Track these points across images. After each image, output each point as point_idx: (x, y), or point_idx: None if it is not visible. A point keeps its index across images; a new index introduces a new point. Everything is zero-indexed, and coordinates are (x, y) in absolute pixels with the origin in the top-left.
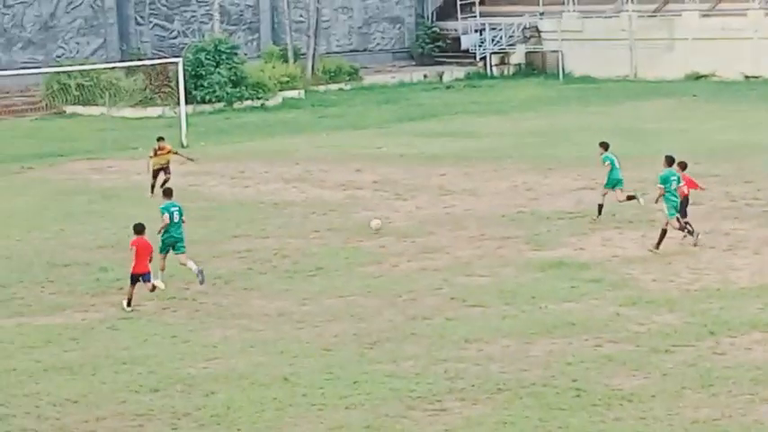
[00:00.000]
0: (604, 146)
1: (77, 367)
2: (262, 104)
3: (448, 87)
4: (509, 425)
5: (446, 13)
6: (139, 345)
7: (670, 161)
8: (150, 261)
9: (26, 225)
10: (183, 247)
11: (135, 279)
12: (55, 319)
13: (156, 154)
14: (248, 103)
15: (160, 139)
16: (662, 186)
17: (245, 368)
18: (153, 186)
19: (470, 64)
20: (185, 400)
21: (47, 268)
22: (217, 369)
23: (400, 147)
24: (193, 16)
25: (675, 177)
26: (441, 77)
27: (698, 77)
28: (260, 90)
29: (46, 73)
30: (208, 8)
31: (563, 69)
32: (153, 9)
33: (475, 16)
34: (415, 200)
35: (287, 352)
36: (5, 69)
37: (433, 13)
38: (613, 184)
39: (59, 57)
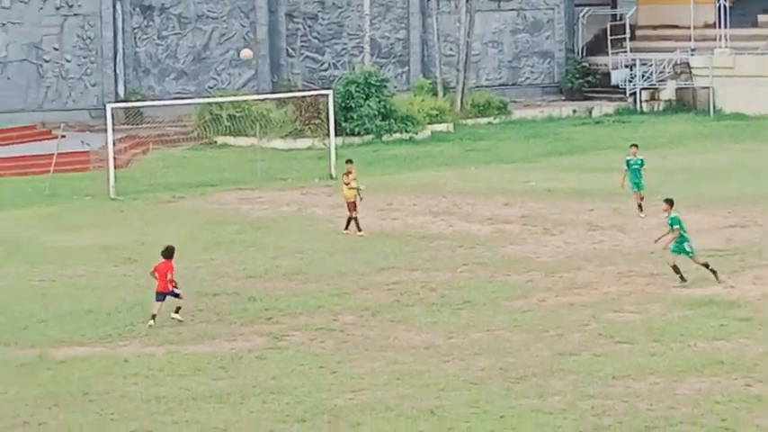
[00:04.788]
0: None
1: (225, 396)
2: (410, 137)
3: (597, 122)
4: None
5: (596, 47)
6: (287, 374)
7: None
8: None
9: (176, 254)
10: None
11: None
12: (204, 347)
13: (348, 181)
14: (397, 135)
15: (348, 161)
16: (677, 228)
17: (391, 400)
18: (352, 221)
19: (620, 99)
20: (332, 430)
21: (196, 297)
22: (363, 400)
23: (548, 181)
24: (344, 49)
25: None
26: (590, 112)
27: None
28: (409, 123)
29: (198, 103)
30: (359, 41)
31: (714, 106)
32: (304, 41)
33: (625, 51)
34: (563, 235)
35: (433, 385)
36: (159, 99)
37: (583, 48)
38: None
39: (211, 88)
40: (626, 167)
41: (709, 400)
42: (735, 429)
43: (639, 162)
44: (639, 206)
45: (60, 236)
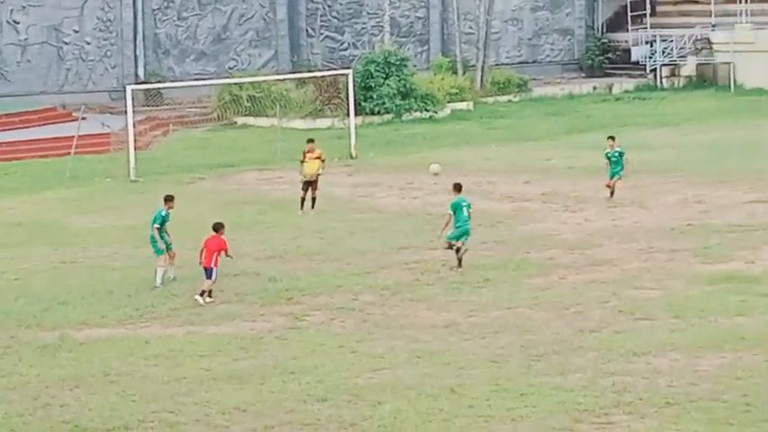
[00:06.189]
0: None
1: (246, 376)
2: (430, 116)
3: (617, 99)
4: None
5: (616, 24)
6: (307, 354)
7: (459, 188)
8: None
9: (197, 235)
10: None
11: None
12: (224, 328)
13: (305, 158)
14: (417, 114)
15: (310, 141)
16: (451, 213)
17: (411, 379)
18: (303, 201)
19: (640, 76)
20: (352, 410)
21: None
22: (384, 379)
23: (569, 159)
24: (364, 28)
25: (466, 204)
26: (610, 89)
27: None
28: (429, 102)
29: (218, 84)
30: (378, 20)
31: (734, 81)
32: (324, 21)
33: (645, 28)
34: (583, 212)
35: (453, 363)
36: (179, 81)
37: (603, 25)
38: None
39: (231, 68)
40: (606, 160)
41: (731, 375)
42: (756, 405)
43: (618, 153)
44: (612, 192)
45: (81, 218)
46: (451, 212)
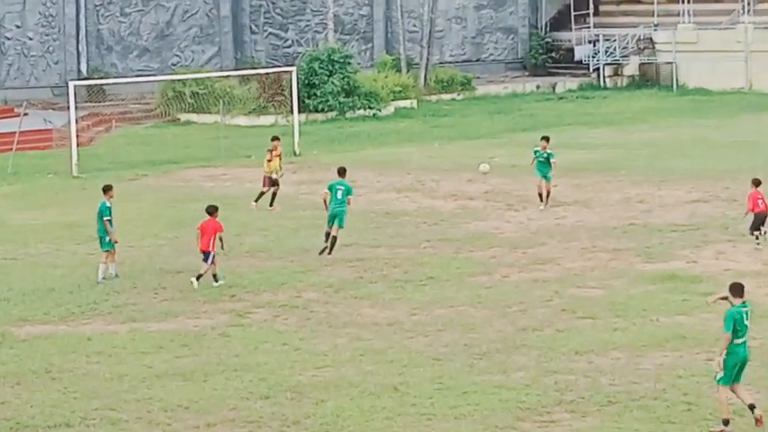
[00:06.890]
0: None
1: (189, 373)
2: (374, 114)
3: (560, 98)
4: None
5: (560, 23)
6: (250, 352)
7: (342, 172)
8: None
9: (140, 232)
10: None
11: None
12: (167, 325)
13: (271, 156)
14: (361, 112)
15: (275, 138)
16: (327, 192)
17: (354, 377)
18: (261, 195)
19: (583, 75)
20: (295, 407)
21: (159, 275)
22: (327, 377)
23: (512, 157)
24: (308, 25)
25: (342, 187)
26: (553, 88)
27: None
28: (373, 100)
29: (161, 81)
30: (322, 17)
31: (677, 81)
32: (267, 18)
33: (589, 27)
34: (526, 211)
35: (397, 361)
36: (121, 77)
37: (546, 24)
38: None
39: (174, 65)
40: (534, 157)
41: (672, 374)
42: (697, 404)
43: (547, 155)
44: (540, 195)
45: (23, 214)
46: (327, 191)
